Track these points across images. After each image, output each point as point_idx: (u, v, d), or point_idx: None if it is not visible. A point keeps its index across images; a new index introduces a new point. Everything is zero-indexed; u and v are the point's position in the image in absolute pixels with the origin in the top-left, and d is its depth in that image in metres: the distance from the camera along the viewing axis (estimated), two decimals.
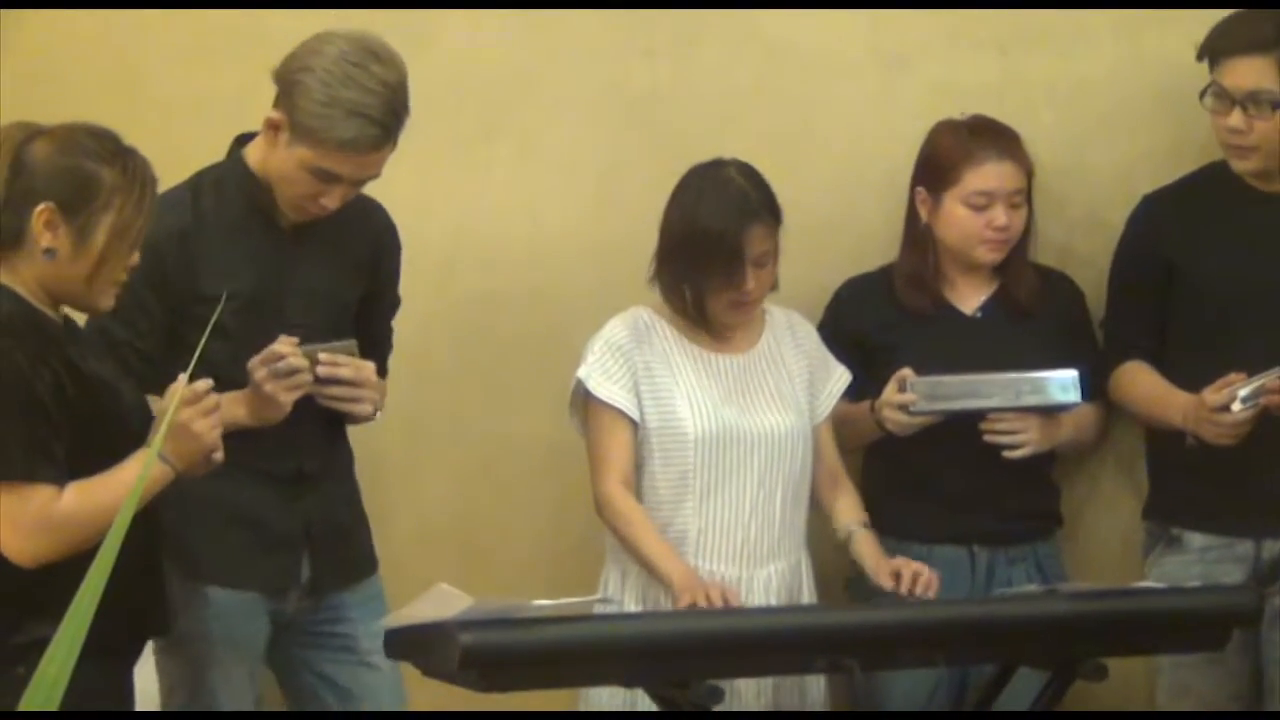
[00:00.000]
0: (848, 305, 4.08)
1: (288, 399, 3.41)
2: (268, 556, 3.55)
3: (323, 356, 3.44)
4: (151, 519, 3.11)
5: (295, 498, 3.56)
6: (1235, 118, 3.86)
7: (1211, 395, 3.77)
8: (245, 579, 3.53)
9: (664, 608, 3.70)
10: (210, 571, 3.50)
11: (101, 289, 3.08)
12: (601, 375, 3.80)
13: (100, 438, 3.03)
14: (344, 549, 3.64)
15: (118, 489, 2.99)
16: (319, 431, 3.59)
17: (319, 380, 3.44)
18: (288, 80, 3.44)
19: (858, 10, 4.23)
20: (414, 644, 3.33)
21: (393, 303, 3.78)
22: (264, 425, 3.43)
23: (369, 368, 3.53)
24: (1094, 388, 4.00)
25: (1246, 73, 3.84)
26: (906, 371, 3.87)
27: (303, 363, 3.40)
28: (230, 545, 3.52)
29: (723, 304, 3.79)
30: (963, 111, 4.05)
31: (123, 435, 3.07)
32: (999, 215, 3.95)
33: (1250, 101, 3.84)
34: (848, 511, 3.92)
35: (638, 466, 3.82)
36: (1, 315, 3.01)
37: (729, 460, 3.79)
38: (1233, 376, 3.76)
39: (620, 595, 3.79)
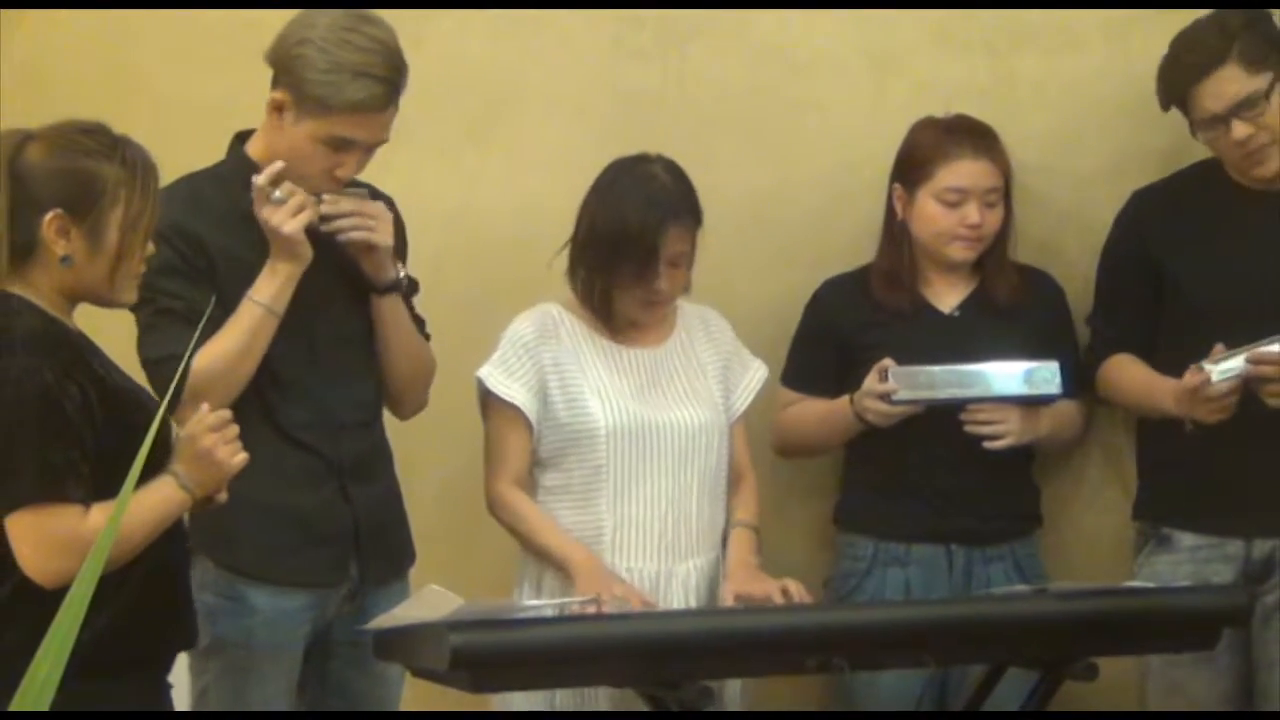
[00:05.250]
0: (827, 304, 4.09)
1: (292, 226, 3.40)
2: (317, 552, 3.52)
3: (325, 196, 3.48)
4: (176, 533, 3.09)
5: (343, 494, 3.55)
6: (1239, 129, 3.82)
7: (1190, 376, 3.75)
8: (293, 576, 3.50)
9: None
10: (257, 569, 3.48)
11: (123, 284, 3.06)
12: (503, 373, 3.78)
13: (127, 452, 2.98)
14: (391, 543, 3.63)
15: (143, 511, 2.95)
16: (358, 417, 3.59)
17: (325, 218, 3.47)
18: (286, 57, 3.44)
19: (846, 10, 4.24)
20: (404, 645, 3.33)
21: (411, 286, 3.71)
22: (302, 267, 3.43)
23: (376, 203, 3.55)
24: (1074, 385, 4.00)
25: (1221, 89, 3.81)
26: (887, 361, 3.88)
27: (287, 186, 3.42)
28: (279, 542, 3.50)
29: (634, 302, 3.77)
30: (948, 111, 4.06)
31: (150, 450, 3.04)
32: (972, 213, 3.95)
33: (1242, 108, 3.82)
34: (738, 509, 3.89)
35: (551, 462, 3.80)
36: (27, 331, 2.97)
37: (641, 455, 3.76)
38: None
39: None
